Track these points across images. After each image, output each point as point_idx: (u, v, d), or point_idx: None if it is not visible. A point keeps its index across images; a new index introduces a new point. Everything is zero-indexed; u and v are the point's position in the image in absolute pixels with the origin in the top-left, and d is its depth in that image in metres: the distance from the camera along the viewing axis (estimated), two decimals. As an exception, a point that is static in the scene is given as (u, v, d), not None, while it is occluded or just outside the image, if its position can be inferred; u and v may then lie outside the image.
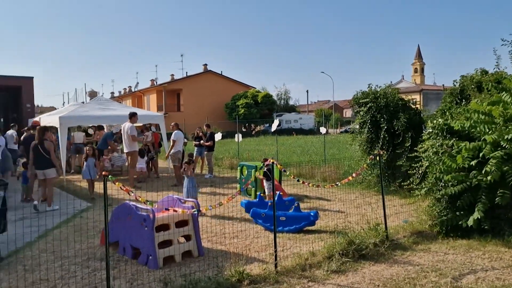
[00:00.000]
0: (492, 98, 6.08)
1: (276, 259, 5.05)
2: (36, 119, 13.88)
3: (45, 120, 13.86)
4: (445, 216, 6.20)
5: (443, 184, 6.24)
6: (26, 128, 12.95)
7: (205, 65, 48.40)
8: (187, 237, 5.68)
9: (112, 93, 63.86)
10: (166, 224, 5.45)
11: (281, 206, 7.31)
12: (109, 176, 4.08)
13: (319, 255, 5.37)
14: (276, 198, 7.53)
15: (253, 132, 43.84)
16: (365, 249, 5.48)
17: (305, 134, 39.87)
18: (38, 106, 48.04)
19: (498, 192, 5.61)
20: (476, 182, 5.79)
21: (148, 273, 4.98)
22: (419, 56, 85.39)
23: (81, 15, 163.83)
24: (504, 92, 5.96)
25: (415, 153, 7.34)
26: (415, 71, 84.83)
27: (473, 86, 8.08)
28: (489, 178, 5.49)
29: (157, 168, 13.53)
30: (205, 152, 13.51)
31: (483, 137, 5.76)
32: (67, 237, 6.29)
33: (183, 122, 21.56)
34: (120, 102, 52.44)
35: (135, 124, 11.27)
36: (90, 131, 15.04)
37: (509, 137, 5.47)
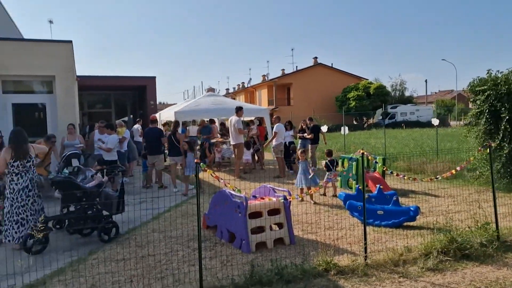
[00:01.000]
0: None
1: (366, 251, 4.93)
2: (155, 114, 15.32)
3: (163, 115, 15.31)
4: None
5: None
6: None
7: (315, 58, 48.21)
8: (280, 225, 5.85)
9: (227, 89, 67.39)
10: (259, 211, 5.68)
11: (381, 199, 7.06)
12: (201, 164, 4.42)
13: (415, 252, 5.09)
14: (376, 191, 7.34)
15: (365, 125, 42.42)
16: (469, 248, 5.04)
17: (422, 126, 37.18)
18: (163, 103, 52.93)
19: None
20: None
21: (241, 256, 5.27)
22: None
23: (200, 17, 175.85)
24: None
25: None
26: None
27: None
28: None
29: (262, 160, 14.00)
30: (309, 145, 13.56)
31: None
32: (175, 220, 6.93)
33: (290, 116, 21.88)
34: (234, 98, 55.25)
35: (241, 118, 11.82)
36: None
37: None
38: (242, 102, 28.72)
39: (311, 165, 13.46)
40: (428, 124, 40.16)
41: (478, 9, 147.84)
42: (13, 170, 5.72)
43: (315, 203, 8.26)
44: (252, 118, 14.86)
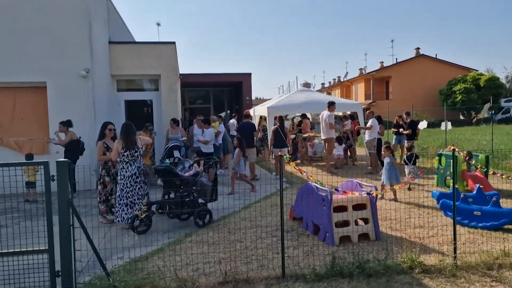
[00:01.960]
0: None
1: (455, 252, 4.71)
2: (249, 110, 15.91)
3: (257, 110, 15.85)
4: None
5: None
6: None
7: (418, 48, 45.42)
8: (365, 220, 5.82)
9: (323, 83, 66.68)
10: (344, 205, 5.72)
11: (481, 200, 6.61)
12: (284, 156, 4.63)
13: (514, 256, 4.73)
14: (475, 191, 6.88)
15: (473, 120, 38.92)
16: None
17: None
18: (259, 98, 54.32)
19: None
20: None
21: (323, 248, 5.38)
22: None
23: (294, 12, 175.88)
24: None
25: None
26: None
27: None
28: None
29: (354, 156, 13.78)
30: (405, 141, 13.01)
31: None
32: (265, 210, 7.26)
33: (386, 111, 21.09)
34: (329, 93, 54.48)
35: (333, 113, 11.79)
36: (296, 119, 16.39)
37: None
38: (336, 97, 28.35)
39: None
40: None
41: None
42: (123, 159, 6.51)
43: (396, 200, 7.97)
44: (348, 112, 14.72)
